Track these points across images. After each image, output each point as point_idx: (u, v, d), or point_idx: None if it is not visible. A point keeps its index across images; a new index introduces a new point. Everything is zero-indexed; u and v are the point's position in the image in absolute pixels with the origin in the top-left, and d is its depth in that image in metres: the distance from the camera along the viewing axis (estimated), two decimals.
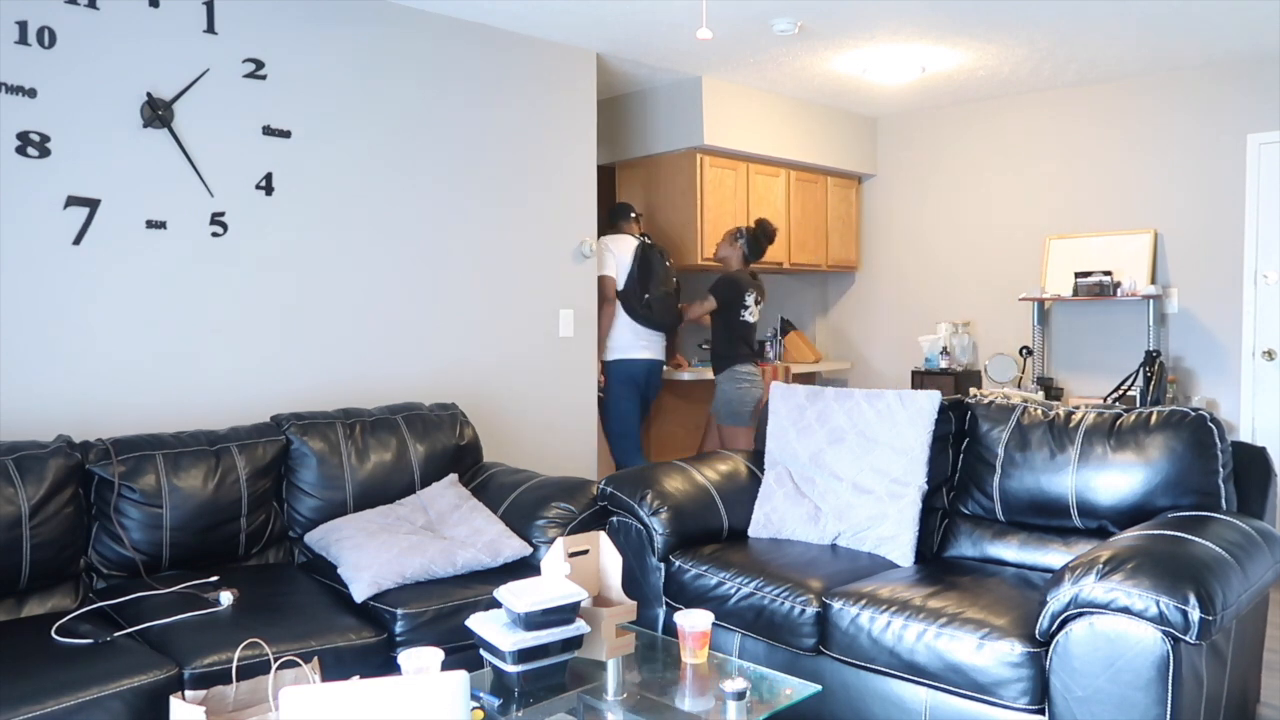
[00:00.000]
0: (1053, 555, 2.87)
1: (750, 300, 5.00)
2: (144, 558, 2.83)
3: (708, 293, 5.04)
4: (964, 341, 5.87)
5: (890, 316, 6.34)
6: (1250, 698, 2.71)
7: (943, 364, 5.81)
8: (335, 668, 2.45)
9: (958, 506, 3.13)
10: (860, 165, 6.27)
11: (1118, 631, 2.13)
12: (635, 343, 5.01)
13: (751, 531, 3.24)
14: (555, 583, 2.26)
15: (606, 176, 5.83)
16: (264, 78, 3.53)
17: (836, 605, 2.62)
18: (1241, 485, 2.76)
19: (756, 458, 3.51)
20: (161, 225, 3.30)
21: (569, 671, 2.28)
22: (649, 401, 5.15)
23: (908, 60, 4.86)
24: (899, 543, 2.98)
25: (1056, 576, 2.25)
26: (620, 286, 4.98)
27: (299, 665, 2.22)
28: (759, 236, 5.04)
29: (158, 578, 2.82)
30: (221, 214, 3.44)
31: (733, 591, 2.85)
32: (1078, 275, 5.23)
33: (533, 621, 2.17)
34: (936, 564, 2.98)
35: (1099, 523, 2.81)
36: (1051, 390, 5.48)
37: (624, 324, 4.99)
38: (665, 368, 5.22)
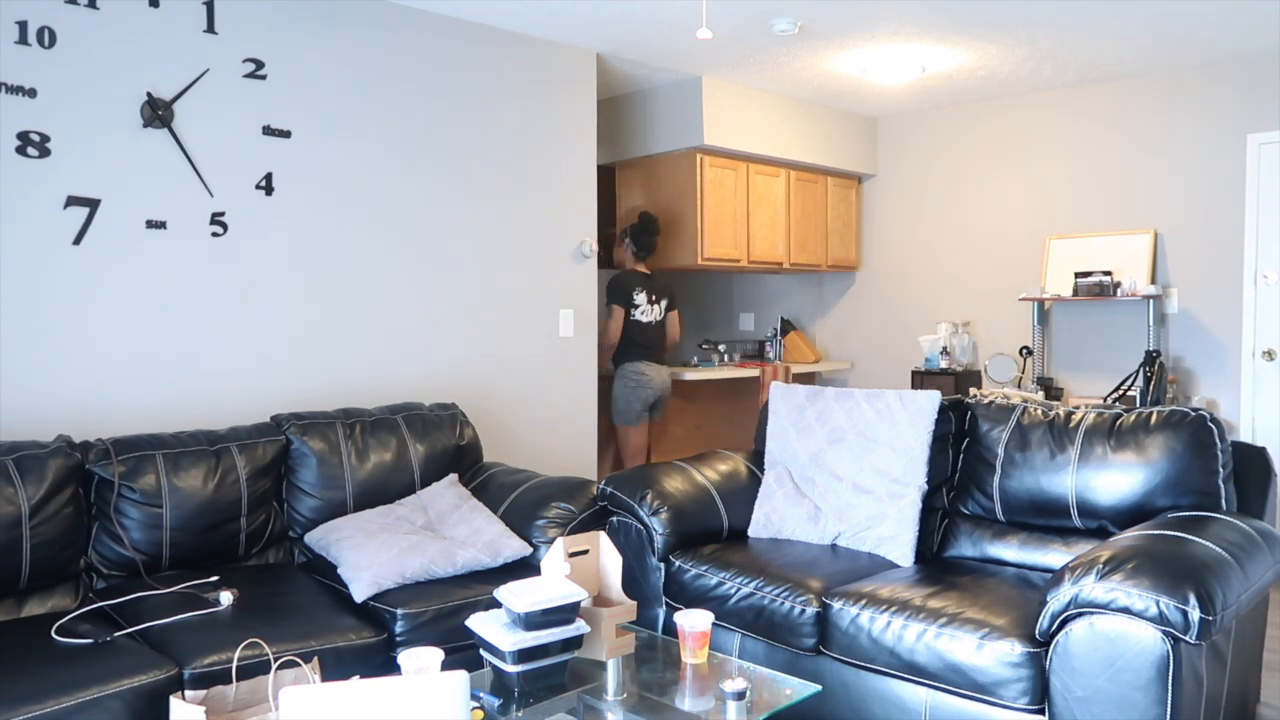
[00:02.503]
0: (1053, 555, 2.87)
1: (640, 299, 5.02)
2: (144, 558, 2.83)
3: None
4: (964, 341, 5.87)
5: (890, 317, 6.34)
6: (1250, 698, 2.71)
7: (943, 364, 5.81)
8: (335, 668, 2.45)
9: (958, 506, 3.13)
10: (860, 165, 6.26)
11: (1118, 631, 2.13)
12: None
13: (751, 531, 3.24)
14: (555, 583, 2.26)
15: (606, 176, 5.83)
16: (264, 78, 3.53)
17: (836, 605, 2.62)
18: (1241, 485, 2.76)
19: (756, 458, 3.51)
20: (161, 225, 3.30)
21: (569, 671, 2.28)
22: None
23: (908, 60, 4.86)
24: (899, 543, 2.98)
25: (1056, 576, 2.25)
26: None
27: (299, 665, 2.22)
28: (642, 231, 5.07)
29: (158, 578, 2.82)
30: (221, 214, 3.44)
31: (733, 591, 2.85)
32: (1078, 275, 5.23)
33: (533, 621, 2.17)
34: (936, 564, 2.98)
35: (1099, 523, 2.81)
36: (1051, 390, 5.47)
37: None
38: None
